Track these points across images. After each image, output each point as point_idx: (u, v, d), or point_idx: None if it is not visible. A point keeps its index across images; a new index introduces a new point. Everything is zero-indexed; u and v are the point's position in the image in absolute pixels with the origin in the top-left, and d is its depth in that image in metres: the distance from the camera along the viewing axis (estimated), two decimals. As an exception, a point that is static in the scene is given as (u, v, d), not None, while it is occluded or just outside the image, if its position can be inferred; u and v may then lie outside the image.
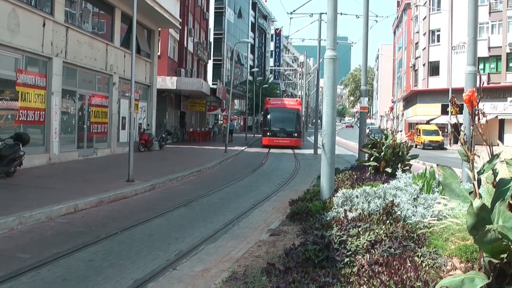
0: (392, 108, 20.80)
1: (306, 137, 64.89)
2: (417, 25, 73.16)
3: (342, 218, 8.37)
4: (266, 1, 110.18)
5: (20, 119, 19.04)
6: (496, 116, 52.07)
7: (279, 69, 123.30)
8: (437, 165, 5.20)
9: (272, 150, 41.68)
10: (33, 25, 19.55)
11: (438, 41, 64.43)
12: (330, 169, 12.22)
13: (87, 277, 7.32)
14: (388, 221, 8.18)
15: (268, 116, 47.11)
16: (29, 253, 8.47)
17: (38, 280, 7.11)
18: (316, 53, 44.17)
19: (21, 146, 16.47)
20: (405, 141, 16.07)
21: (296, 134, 46.50)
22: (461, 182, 6.66)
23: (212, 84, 58.00)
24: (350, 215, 8.57)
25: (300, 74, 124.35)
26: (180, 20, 38.72)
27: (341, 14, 39.46)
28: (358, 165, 17.63)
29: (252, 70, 79.27)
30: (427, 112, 64.25)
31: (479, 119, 4.73)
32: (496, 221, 4.27)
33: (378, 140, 15.95)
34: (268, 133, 46.17)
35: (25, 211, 10.75)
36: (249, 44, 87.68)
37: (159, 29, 37.01)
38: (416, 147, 48.08)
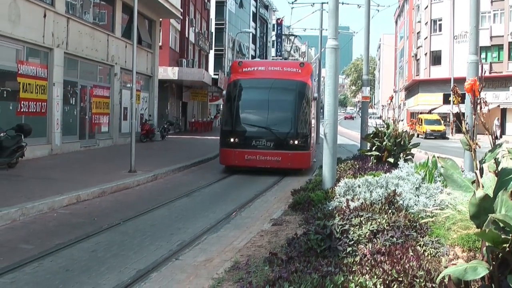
0: (392, 97, 20.81)
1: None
2: (418, 14, 72.88)
3: (344, 208, 8.38)
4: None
5: (22, 110, 19.02)
6: (498, 106, 51.92)
7: (281, 58, 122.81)
8: (438, 157, 5.19)
9: None
10: (34, 16, 19.50)
11: (440, 30, 64.21)
12: (332, 159, 12.22)
13: (90, 267, 7.34)
14: (390, 211, 8.20)
15: (235, 101, 20.08)
16: (32, 244, 8.49)
17: (41, 271, 7.13)
18: (317, 43, 44.02)
19: (22, 137, 16.47)
20: (406, 131, 16.07)
21: (297, 142, 18.88)
22: (463, 171, 6.66)
23: (214, 74, 57.83)
24: (352, 204, 8.58)
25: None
26: (181, 10, 38.61)
27: (342, 3, 39.21)
28: (360, 154, 17.67)
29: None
30: (429, 101, 64.15)
31: (481, 108, 4.72)
32: (499, 210, 4.27)
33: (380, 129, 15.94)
34: (231, 140, 19.02)
35: (27, 202, 10.77)
36: (251, 34, 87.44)
37: (160, 19, 36.90)
38: (418, 136, 48.02)
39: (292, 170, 18.79)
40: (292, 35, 37.25)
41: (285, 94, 19.50)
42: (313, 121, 22.28)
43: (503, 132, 50.33)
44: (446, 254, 6.35)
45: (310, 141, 19.31)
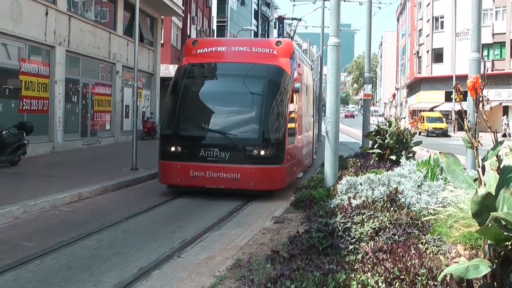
0: (394, 95, 20.90)
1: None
2: (420, 11, 72.77)
3: (346, 206, 8.38)
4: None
5: (24, 108, 19.04)
6: (500, 103, 51.81)
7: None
8: (440, 152, 5.18)
9: None
10: (35, 14, 19.50)
11: (442, 27, 64.11)
12: (334, 157, 12.22)
13: (92, 265, 7.35)
14: (392, 208, 8.20)
15: (181, 95, 14.00)
16: (34, 242, 8.50)
17: (43, 268, 7.14)
18: (319, 40, 43.99)
19: (24, 135, 16.49)
20: (408, 128, 16.08)
21: (265, 152, 13.00)
22: (465, 169, 6.66)
23: (215, 71, 57.60)
24: (354, 202, 8.58)
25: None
26: (183, 8, 38.59)
27: (344, 1, 39.23)
28: (362, 152, 17.64)
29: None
30: (430, 99, 64.07)
31: (483, 105, 4.71)
32: (501, 208, 4.26)
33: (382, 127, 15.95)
34: (172, 149, 13.40)
35: (29, 200, 10.78)
36: (252, 32, 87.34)
37: (162, 17, 36.87)
38: (420, 134, 47.95)
39: (258, 193, 13.13)
40: (295, 18, 36.50)
41: (251, 85, 13.85)
42: (305, 121, 17.76)
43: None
44: (448, 252, 6.35)
45: (286, 150, 13.25)
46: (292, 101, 14.16)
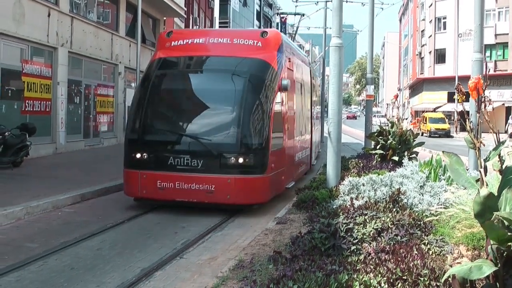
0: (396, 96, 20.85)
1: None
2: (423, 12, 72.75)
3: (348, 206, 8.38)
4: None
5: (26, 109, 19.07)
6: (503, 104, 51.79)
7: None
8: (443, 151, 5.18)
9: None
10: (38, 15, 19.53)
11: (444, 28, 64.09)
12: (337, 157, 12.22)
13: (95, 265, 7.37)
14: (394, 209, 8.19)
15: (150, 93, 12.17)
16: (36, 243, 8.51)
17: (46, 269, 7.15)
18: (321, 41, 44.00)
19: (27, 136, 16.51)
20: (410, 129, 16.07)
21: (244, 159, 11.17)
22: (467, 169, 6.65)
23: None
24: (357, 203, 8.57)
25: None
26: (185, 9, 38.58)
27: (346, 1, 39.19)
28: (364, 153, 17.63)
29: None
30: (433, 100, 64.05)
31: (485, 106, 4.71)
32: (503, 208, 4.26)
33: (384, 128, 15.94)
34: (137, 156, 11.66)
35: (32, 201, 10.80)
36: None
37: (164, 18, 36.89)
38: (422, 135, 47.93)
39: (236, 207, 11.37)
40: (298, 13, 36.33)
41: (230, 81, 12.15)
42: (299, 123, 15.70)
43: (507, 130, 50.19)
44: (451, 252, 6.35)
45: (269, 157, 11.39)
46: (279, 100, 12.44)
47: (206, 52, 13.01)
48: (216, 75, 12.59)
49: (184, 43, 12.98)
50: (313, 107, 20.30)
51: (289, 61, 13.82)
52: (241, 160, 11.02)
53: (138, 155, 11.47)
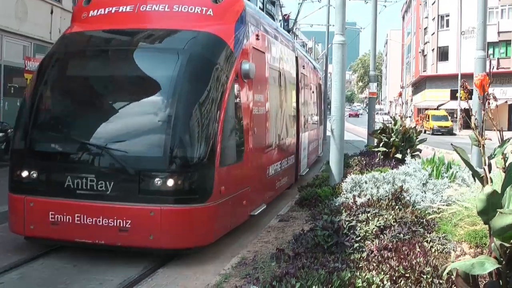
0: (400, 94, 20.88)
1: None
2: (426, 10, 72.64)
3: (351, 204, 8.36)
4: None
5: (29, 106, 19.06)
6: (506, 101, 51.68)
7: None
8: (451, 144, 5.20)
9: None
10: (40, 13, 19.56)
11: (447, 26, 63.97)
12: (339, 155, 12.18)
13: (98, 263, 7.38)
14: (397, 207, 8.18)
15: (48, 85, 8.54)
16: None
17: (48, 266, 7.24)
18: (324, 39, 43.97)
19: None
20: (414, 127, 16.04)
21: (176, 180, 7.23)
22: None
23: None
24: (359, 200, 8.56)
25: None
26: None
27: (349, -1, 39.13)
28: (367, 150, 17.61)
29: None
30: (436, 97, 63.93)
31: (489, 103, 4.70)
32: (507, 206, 4.26)
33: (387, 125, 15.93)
34: (23, 174, 7.68)
35: None
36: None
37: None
38: (425, 132, 47.86)
39: (163, 252, 7.63)
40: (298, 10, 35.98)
41: (160, 65, 8.38)
42: (279, 126, 12.12)
43: (510, 128, 50.15)
44: (453, 250, 6.34)
45: (214, 176, 7.67)
46: (236, 92, 8.66)
47: (134, 24, 8.86)
48: (142, 56, 8.69)
49: (106, 12, 8.98)
50: (304, 104, 16.80)
51: (257, 38, 10.04)
52: (170, 182, 7.26)
53: (25, 173, 7.72)
